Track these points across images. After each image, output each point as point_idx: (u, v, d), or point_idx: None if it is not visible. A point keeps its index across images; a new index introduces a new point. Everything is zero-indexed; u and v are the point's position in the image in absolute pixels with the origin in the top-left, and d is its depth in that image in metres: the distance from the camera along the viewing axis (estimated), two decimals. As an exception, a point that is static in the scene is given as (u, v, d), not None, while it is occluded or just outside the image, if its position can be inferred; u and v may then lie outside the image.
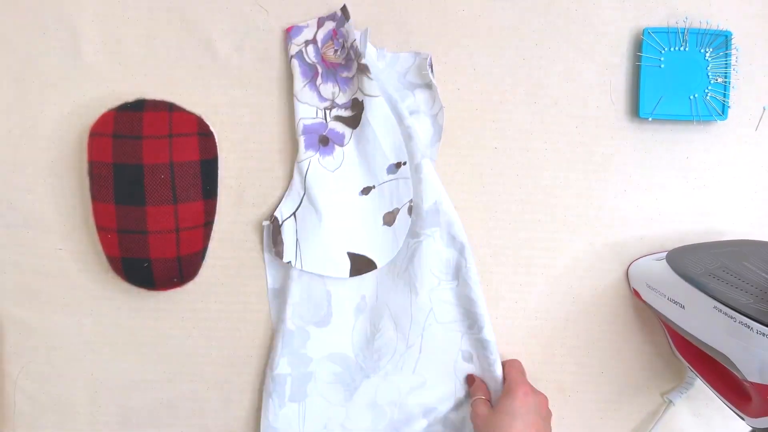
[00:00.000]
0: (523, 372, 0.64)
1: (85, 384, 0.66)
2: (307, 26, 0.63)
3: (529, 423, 0.57)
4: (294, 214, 0.63)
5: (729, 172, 0.65)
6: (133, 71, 0.63)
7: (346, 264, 0.63)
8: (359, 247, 0.63)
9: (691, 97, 0.63)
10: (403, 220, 0.63)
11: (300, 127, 0.63)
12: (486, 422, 0.60)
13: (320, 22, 0.62)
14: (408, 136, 0.62)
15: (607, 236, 0.65)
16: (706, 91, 0.63)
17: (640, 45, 0.63)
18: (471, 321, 0.64)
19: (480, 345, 0.64)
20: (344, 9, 0.62)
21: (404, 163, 0.63)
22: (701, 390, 0.65)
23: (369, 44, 0.63)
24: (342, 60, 0.62)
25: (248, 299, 0.65)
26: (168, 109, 0.60)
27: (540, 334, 0.66)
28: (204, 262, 0.64)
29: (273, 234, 0.63)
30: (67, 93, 0.63)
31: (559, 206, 0.65)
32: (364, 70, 0.61)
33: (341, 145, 0.63)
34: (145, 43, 0.63)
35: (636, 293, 0.64)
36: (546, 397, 0.61)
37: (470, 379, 0.65)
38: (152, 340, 0.65)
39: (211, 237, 0.63)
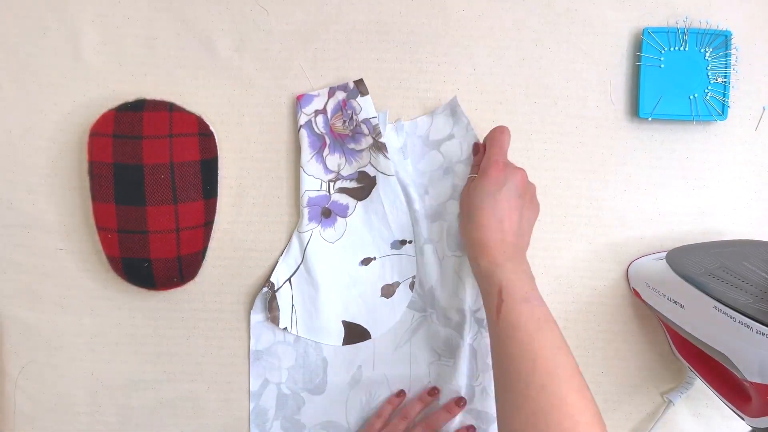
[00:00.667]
0: (502, 146, 0.59)
1: (85, 384, 0.65)
2: (318, 95, 0.63)
3: (500, 200, 0.55)
4: (289, 279, 0.64)
5: (729, 172, 0.65)
6: (133, 71, 0.63)
7: (341, 332, 0.64)
8: (354, 317, 0.65)
9: (691, 97, 0.63)
10: (403, 293, 0.65)
11: (305, 199, 0.63)
12: (463, 200, 0.59)
13: (331, 92, 0.63)
14: (415, 220, 0.64)
15: (606, 236, 0.66)
16: (706, 91, 0.63)
17: (640, 45, 0.63)
18: (468, 397, 0.65)
19: (477, 415, 0.65)
20: (360, 83, 0.62)
21: (410, 242, 0.64)
22: (701, 390, 0.65)
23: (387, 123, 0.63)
24: (349, 132, 0.63)
25: (248, 299, 0.65)
26: (168, 109, 0.60)
27: (540, 334, 0.66)
28: (204, 262, 0.64)
29: (269, 300, 0.64)
30: (67, 93, 0.63)
31: (559, 206, 0.65)
32: (381, 148, 0.62)
33: (344, 216, 0.64)
34: (145, 43, 0.63)
35: (636, 293, 0.64)
36: (523, 172, 0.58)
37: (475, 149, 0.63)
38: (152, 340, 0.65)
39: (211, 237, 0.63)
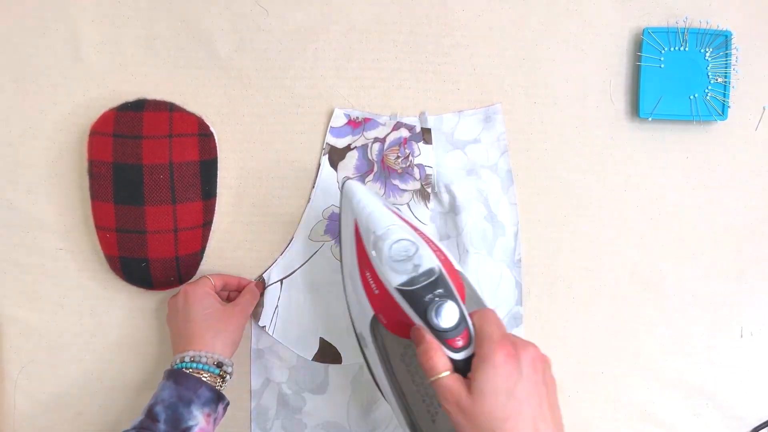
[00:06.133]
0: (498, 324, 0.43)
1: (85, 384, 0.65)
2: (384, 124, 0.64)
3: (526, 397, 0.40)
4: (281, 281, 0.64)
5: (729, 172, 0.65)
6: (133, 71, 0.63)
7: (314, 347, 0.64)
8: (333, 338, 0.65)
9: (691, 97, 0.63)
10: None
11: (328, 212, 0.64)
12: (463, 410, 0.40)
13: (396, 126, 0.63)
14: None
15: (607, 236, 0.65)
16: (706, 91, 0.63)
17: (640, 45, 0.63)
18: None
19: None
20: (428, 132, 0.63)
21: None
22: (701, 390, 0.65)
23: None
24: (400, 169, 0.63)
25: (248, 299, 0.65)
26: (168, 109, 0.60)
27: (540, 334, 0.66)
28: (204, 262, 0.64)
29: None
30: (67, 93, 0.63)
31: (559, 206, 0.65)
32: (426, 197, 0.63)
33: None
34: (145, 43, 0.63)
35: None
36: (536, 350, 0.43)
37: (417, 336, 0.43)
38: (152, 340, 0.65)
39: (210, 237, 0.63)
